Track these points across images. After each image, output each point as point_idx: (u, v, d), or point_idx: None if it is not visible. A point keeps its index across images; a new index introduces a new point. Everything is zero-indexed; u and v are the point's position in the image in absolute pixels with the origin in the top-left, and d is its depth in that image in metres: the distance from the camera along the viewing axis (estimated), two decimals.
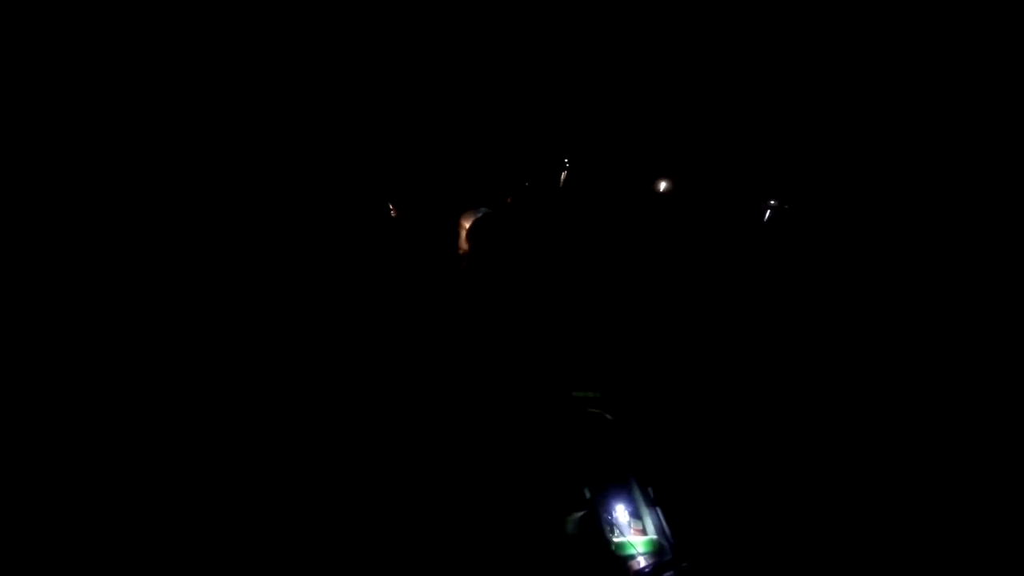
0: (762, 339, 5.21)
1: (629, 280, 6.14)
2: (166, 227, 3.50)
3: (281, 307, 3.17)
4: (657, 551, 1.95)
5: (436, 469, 2.13)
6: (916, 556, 2.66)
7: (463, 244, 2.86)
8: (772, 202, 10.80)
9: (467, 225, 2.83)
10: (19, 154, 3.02)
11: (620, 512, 2.03)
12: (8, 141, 3.01)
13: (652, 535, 2.00)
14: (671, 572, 1.83)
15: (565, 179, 9.11)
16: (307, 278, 3.43)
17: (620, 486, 2.16)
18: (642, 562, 1.90)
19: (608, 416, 2.52)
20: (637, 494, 2.15)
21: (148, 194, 3.56)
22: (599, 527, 2.00)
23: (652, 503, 2.10)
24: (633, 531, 2.01)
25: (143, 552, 1.92)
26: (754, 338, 5.23)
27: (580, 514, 1.98)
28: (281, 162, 4.46)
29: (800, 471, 3.19)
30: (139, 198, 3.50)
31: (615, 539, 1.97)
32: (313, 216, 3.94)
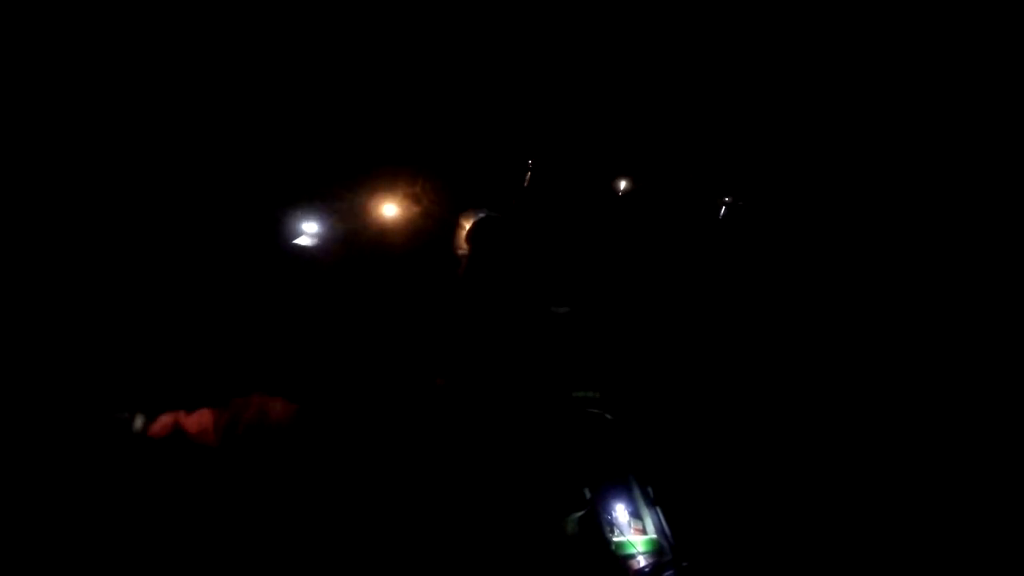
0: (754, 337, 5.22)
1: (624, 280, 6.14)
2: (163, 224, 3.50)
3: (279, 308, 3.18)
4: (657, 551, 1.95)
5: (435, 470, 2.13)
6: (915, 555, 2.66)
7: (462, 245, 2.86)
8: (727, 199, 10.96)
9: (466, 226, 2.83)
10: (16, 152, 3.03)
11: (620, 512, 2.03)
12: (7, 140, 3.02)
13: (652, 535, 2.00)
14: (671, 572, 1.83)
15: (529, 179, 9.17)
16: (305, 278, 3.43)
17: (620, 486, 2.16)
18: (642, 562, 1.90)
19: (608, 416, 2.52)
20: (637, 494, 2.15)
21: (144, 192, 3.57)
22: (599, 527, 1.99)
23: (652, 503, 2.10)
24: (633, 531, 2.01)
25: (140, 551, 1.92)
26: (747, 336, 5.23)
27: (580, 514, 1.98)
28: (279, 163, 4.47)
29: (799, 471, 3.19)
30: (136, 196, 3.51)
31: (615, 539, 1.96)
32: (311, 216, 3.95)
